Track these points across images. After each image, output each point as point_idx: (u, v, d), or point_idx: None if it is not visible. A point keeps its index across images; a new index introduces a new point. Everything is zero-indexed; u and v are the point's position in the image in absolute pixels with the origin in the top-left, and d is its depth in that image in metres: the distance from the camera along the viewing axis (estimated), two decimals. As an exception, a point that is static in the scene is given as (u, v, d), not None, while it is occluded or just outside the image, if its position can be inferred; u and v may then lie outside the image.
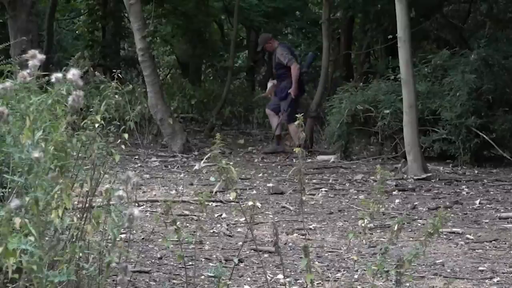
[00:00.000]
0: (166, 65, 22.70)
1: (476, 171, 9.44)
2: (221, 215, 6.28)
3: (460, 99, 9.84)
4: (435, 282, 4.29)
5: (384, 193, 3.39)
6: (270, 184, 7.93)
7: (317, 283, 4.14)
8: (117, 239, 2.67)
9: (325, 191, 7.74)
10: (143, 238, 5.25)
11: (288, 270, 4.48)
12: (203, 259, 4.73)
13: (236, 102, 15.85)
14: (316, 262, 4.62)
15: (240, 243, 5.07)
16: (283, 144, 11.23)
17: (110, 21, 16.68)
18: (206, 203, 3.34)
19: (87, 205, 3.31)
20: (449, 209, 6.58)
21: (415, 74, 9.51)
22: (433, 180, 8.50)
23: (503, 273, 4.54)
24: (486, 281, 4.35)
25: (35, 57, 2.59)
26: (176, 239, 3.25)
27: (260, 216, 6.22)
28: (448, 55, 10.78)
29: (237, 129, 15.08)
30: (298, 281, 4.22)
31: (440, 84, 10.45)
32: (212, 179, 7.40)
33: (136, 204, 5.95)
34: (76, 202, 3.24)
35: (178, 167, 9.36)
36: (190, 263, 4.34)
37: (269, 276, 4.30)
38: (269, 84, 11.34)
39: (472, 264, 4.75)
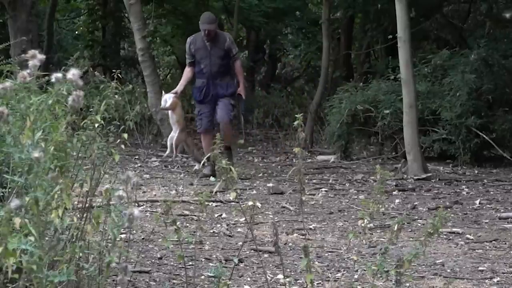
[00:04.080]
0: (166, 65, 22.69)
1: (476, 171, 9.44)
2: (221, 215, 6.28)
3: (460, 99, 9.85)
4: (435, 282, 4.29)
5: (384, 193, 3.39)
6: (270, 184, 7.93)
7: (317, 283, 4.14)
8: (117, 239, 2.67)
9: (325, 191, 7.74)
10: (143, 238, 5.25)
11: (288, 270, 4.48)
12: (203, 259, 4.72)
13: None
14: (316, 262, 4.62)
15: (240, 243, 5.07)
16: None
17: (110, 21, 16.67)
18: (206, 203, 3.34)
19: (87, 205, 3.31)
20: (449, 209, 6.59)
21: (415, 74, 9.52)
22: (433, 180, 8.51)
23: (503, 273, 4.54)
24: (486, 281, 4.35)
25: (35, 57, 2.59)
26: (176, 239, 3.25)
27: (260, 216, 6.22)
28: (448, 55, 10.78)
29: (237, 129, 15.08)
30: (298, 281, 4.22)
31: (440, 84, 10.45)
32: (212, 179, 7.41)
33: (136, 204, 5.95)
34: (76, 202, 3.24)
35: (178, 167, 9.36)
36: (190, 263, 4.34)
37: (269, 276, 4.30)
38: (168, 96, 8.72)
39: (472, 264, 4.75)
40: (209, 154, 3.34)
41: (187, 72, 8.68)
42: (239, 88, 8.50)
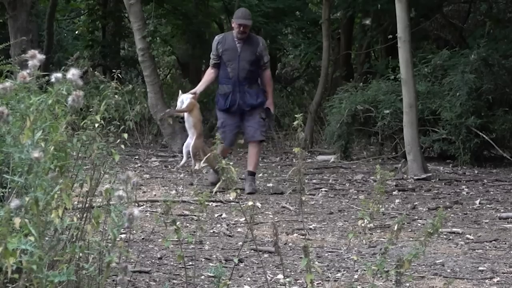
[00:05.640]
0: (166, 65, 22.71)
1: (476, 171, 9.44)
2: (221, 215, 6.28)
3: (460, 99, 9.85)
4: (435, 282, 4.29)
5: (384, 193, 3.39)
6: (270, 184, 7.93)
7: (317, 283, 4.14)
8: (117, 239, 2.67)
9: (325, 191, 7.74)
10: (143, 238, 5.25)
11: (288, 270, 4.48)
12: (203, 259, 4.72)
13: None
14: (316, 262, 4.62)
15: (240, 243, 5.07)
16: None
17: (110, 21, 16.69)
18: (206, 203, 3.34)
19: (87, 205, 3.31)
20: (449, 209, 6.61)
21: (415, 74, 9.52)
22: (433, 180, 8.51)
23: (503, 273, 4.54)
24: (486, 281, 4.35)
25: (35, 57, 2.59)
26: (176, 239, 3.25)
27: (260, 216, 6.22)
28: (448, 55, 10.79)
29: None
30: (298, 281, 4.22)
31: (440, 84, 10.46)
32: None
33: (136, 204, 5.95)
34: (76, 202, 3.24)
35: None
36: (190, 263, 4.34)
37: (269, 276, 4.30)
38: (185, 97, 7.64)
39: (472, 264, 4.75)
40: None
41: (210, 73, 7.65)
42: (267, 102, 7.53)
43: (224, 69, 7.49)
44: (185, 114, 7.74)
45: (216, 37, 7.72)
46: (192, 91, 7.67)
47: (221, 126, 7.54)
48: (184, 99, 7.62)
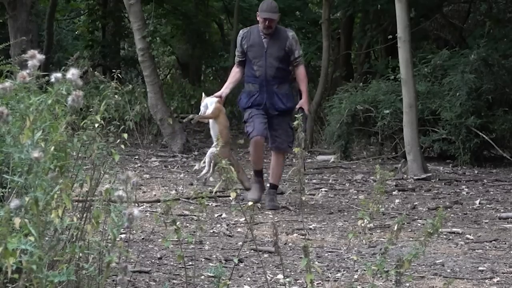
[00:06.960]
0: (166, 65, 22.71)
1: (476, 171, 9.44)
2: (221, 215, 6.28)
3: (460, 99, 9.86)
4: (435, 282, 4.29)
5: (384, 193, 3.39)
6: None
7: (317, 283, 4.14)
8: (117, 239, 2.67)
9: (325, 191, 7.74)
10: (143, 238, 5.25)
11: (288, 270, 4.48)
12: (203, 259, 4.73)
13: (236, 102, 15.79)
14: (316, 262, 4.62)
15: (240, 243, 5.07)
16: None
17: (110, 21, 16.70)
18: (206, 203, 3.34)
19: (87, 205, 3.31)
20: (449, 209, 6.61)
21: (415, 74, 9.52)
22: (433, 180, 8.51)
23: (503, 273, 4.54)
24: (486, 281, 4.35)
25: (35, 57, 2.58)
26: (176, 239, 3.25)
27: (260, 216, 6.22)
28: (448, 55, 10.79)
29: (237, 129, 15.07)
30: (298, 281, 4.22)
31: (440, 84, 10.46)
32: (211, 179, 7.35)
33: (136, 204, 5.95)
34: (76, 202, 3.24)
35: (178, 167, 9.36)
36: (190, 263, 4.34)
37: (269, 276, 4.30)
38: (209, 101, 6.96)
39: (472, 264, 4.75)
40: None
41: (235, 72, 6.91)
42: (301, 101, 6.80)
43: (250, 66, 6.77)
44: (210, 121, 7.13)
45: (241, 31, 6.96)
46: (217, 94, 6.95)
47: (248, 117, 6.76)
48: (209, 104, 6.96)
